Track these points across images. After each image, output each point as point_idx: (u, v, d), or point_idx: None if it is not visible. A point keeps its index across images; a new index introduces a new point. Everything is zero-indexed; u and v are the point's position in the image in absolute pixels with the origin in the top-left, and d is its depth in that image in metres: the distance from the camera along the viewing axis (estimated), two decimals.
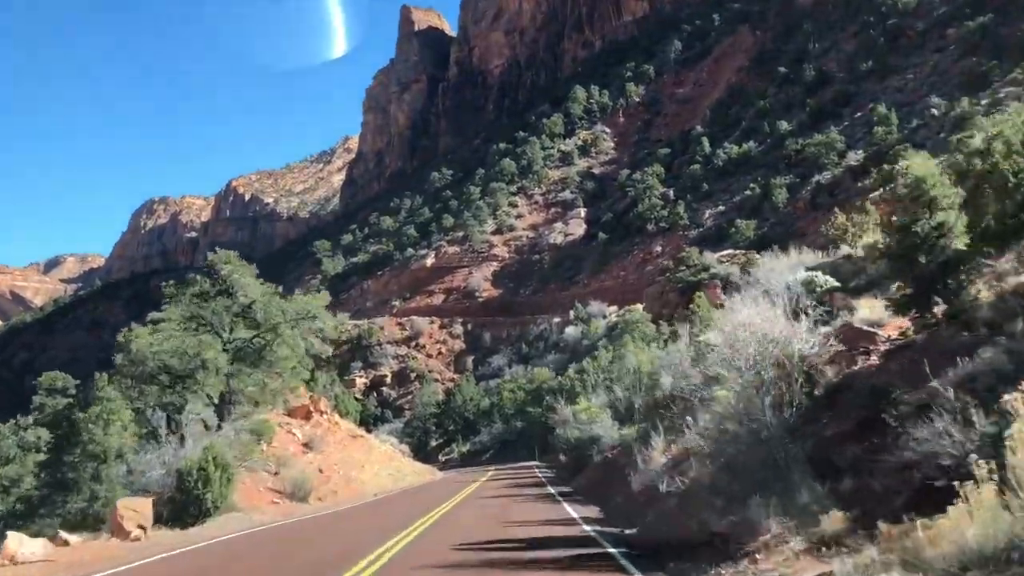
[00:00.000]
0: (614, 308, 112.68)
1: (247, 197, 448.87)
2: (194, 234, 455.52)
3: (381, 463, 58.12)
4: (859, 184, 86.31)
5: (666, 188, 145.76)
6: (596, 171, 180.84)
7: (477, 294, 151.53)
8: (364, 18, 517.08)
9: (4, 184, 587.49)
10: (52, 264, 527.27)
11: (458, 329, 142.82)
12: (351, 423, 69.11)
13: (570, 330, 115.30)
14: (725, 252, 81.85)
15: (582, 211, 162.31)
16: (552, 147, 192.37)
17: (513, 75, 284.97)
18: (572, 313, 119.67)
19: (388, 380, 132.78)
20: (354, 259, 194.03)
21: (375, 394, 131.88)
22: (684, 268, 72.94)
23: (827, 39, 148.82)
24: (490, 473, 62.54)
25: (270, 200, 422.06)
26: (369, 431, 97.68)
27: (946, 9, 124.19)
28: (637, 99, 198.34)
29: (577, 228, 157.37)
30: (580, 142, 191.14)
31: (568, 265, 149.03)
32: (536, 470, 59.99)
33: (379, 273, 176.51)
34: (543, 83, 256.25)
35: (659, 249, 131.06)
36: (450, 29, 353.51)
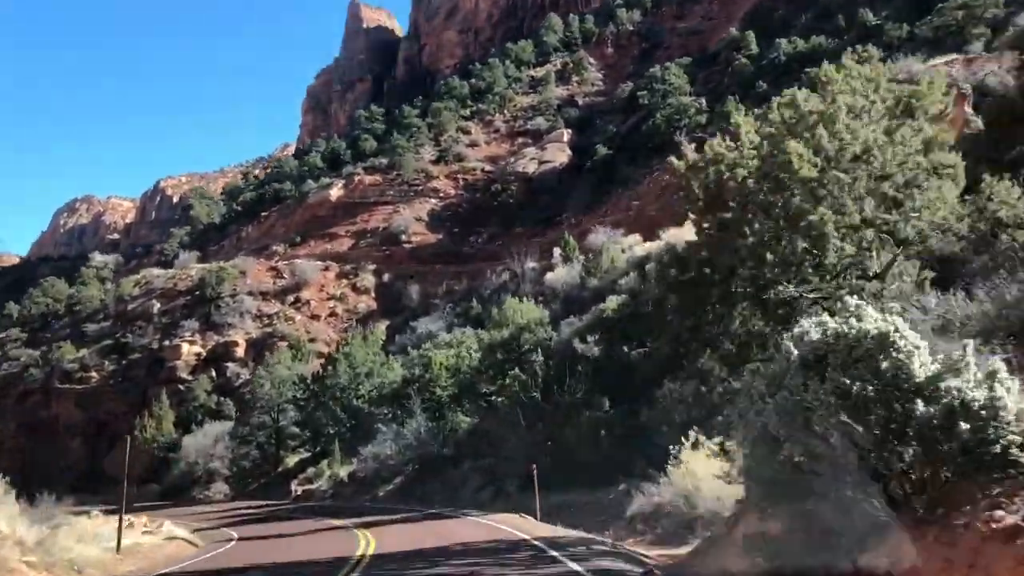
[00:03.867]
0: (633, 237, 62.24)
1: (175, 199, 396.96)
2: (116, 236, 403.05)
3: None
4: None
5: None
6: (580, 101, 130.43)
7: (403, 238, 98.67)
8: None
9: None
10: None
11: (368, 280, 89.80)
12: None
13: (556, 275, 63.44)
14: None
15: (565, 133, 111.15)
16: (519, 75, 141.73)
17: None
18: (557, 252, 68.17)
19: (239, 351, 78.91)
20: (236, 204, 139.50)
21: (213, 372, 77.82)
22: None
23: None
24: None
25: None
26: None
27: None
28: (631, 27, 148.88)
29: (558, 155, 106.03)
30: (558, 67, 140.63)
31: (544, 203, 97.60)
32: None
33: (263, 215, 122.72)
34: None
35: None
36: (400, 31, 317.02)
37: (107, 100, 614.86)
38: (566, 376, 33.66)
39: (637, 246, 56.82)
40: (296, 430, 57.86)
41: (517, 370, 36.29)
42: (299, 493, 51.11)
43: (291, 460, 57.98)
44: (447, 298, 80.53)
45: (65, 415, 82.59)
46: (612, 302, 39.79)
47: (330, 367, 55.00)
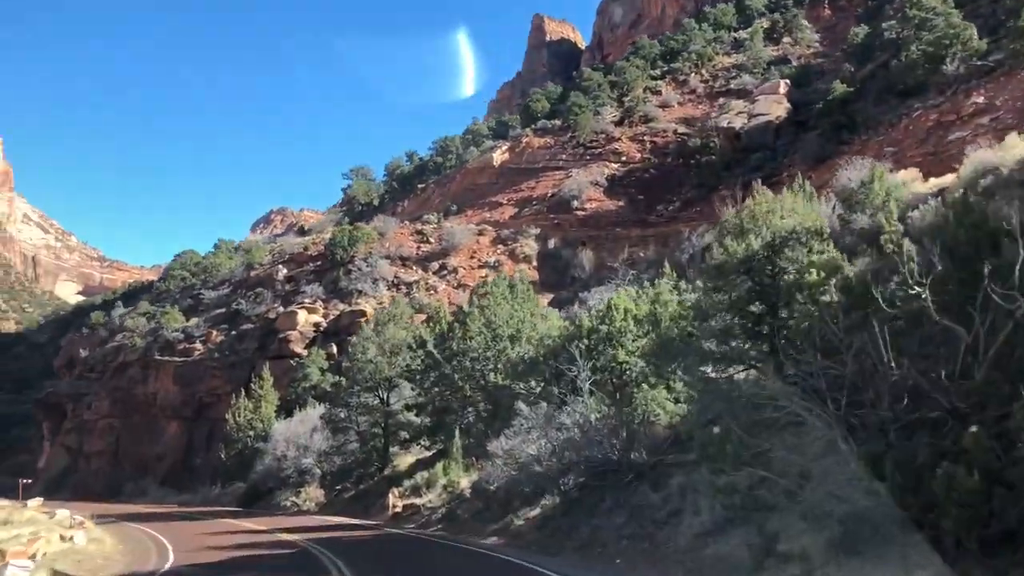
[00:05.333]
0: (909, 173, 41.52)
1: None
2: None
3: None
4: None
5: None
6: (793, 62, 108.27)
7: (575, 205, 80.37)
8: (494, 55, 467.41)
9: (131, 183, 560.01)
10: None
11: (529, 247, 72.04)
12: None
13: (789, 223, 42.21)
14: None
15: (782, 84, 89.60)
16: (719, 35, 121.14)
17: None
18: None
19: (366, 323, 62.70)
20: (394, 180, 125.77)
21: (333, 347, 62.04)
22: None
23: None
24: None
25: None
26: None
27: None
28: None
29: (772, 108, 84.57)
30: (766, 25, 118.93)
31: (755, 162, 76.73)
32: None
33: (420, 187, 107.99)
34: None
35: (981, 100, 59.58)
36: (584, 43, 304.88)
37: (302, 121, 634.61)
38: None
39: (915, 183, 36.80)
40: (413, 417, 40.17)
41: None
42: (398, 510, 33.30)
43: (403, 460, 40.30)
44: (628, 267, 61.29)
45: (163, 393, 69.33)
46: None
47: (459, 326, 37.00)
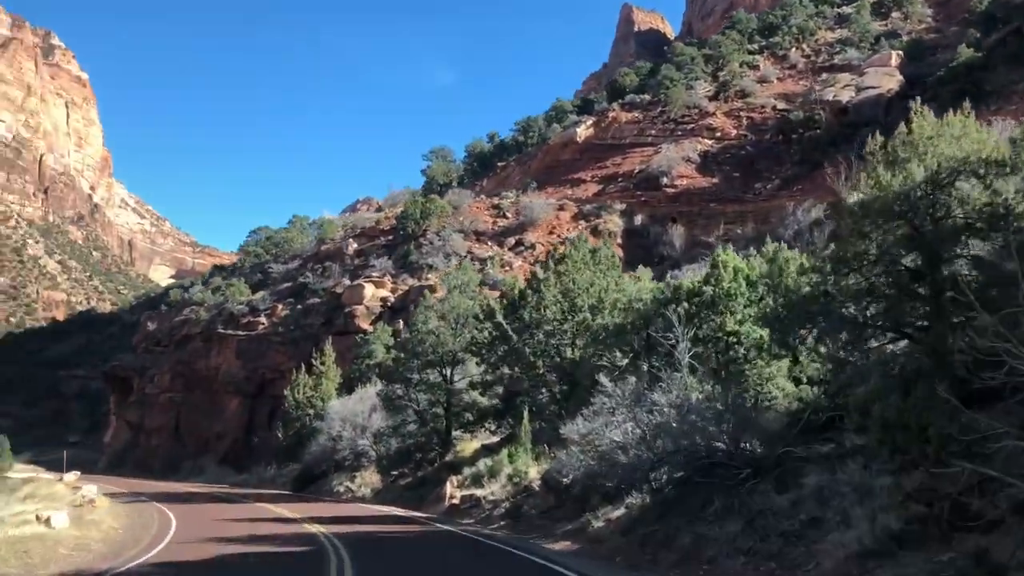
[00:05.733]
0: None
1: None
2: None
3: None
4: None
5: None
6: (904, 37, 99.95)
7: (665, 181, 74.79)
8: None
9: (223, 174, 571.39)
10: None
11: (614, 223, 66.78)
12: None
13: None
14: None
15: (893, 56, 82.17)
16: (821, 10, 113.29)
17: None
18: None
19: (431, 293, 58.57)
20: (474, 161, 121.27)
21: (401, 323, 57.92)
22: None
23: None
24: None
25: None
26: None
27: None
28: None
29: (883, 81, 77.30)
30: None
31: (864, 138, 69.45)
32: None
33: (500, 165, 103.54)
34: None
35: None
36: (673, 34, 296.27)
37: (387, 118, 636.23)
38: None
39: None
40: (478, 396, 35.53)
41: None
42: (456, 502, 28.70)
43: (467, 446, 35.69)
44: (724, 244, 55.49)
45: (224, 368, 66.38)
46: None
47: (532, 294, 32.16)
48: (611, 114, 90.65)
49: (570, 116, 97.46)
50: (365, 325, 58.88)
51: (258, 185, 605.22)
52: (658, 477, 20.26)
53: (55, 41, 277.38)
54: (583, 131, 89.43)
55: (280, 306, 66.79)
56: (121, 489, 44.32)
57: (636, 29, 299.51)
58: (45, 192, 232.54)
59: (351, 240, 72.92)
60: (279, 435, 52.74)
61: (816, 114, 76.36)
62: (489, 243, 66.25)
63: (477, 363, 34.99)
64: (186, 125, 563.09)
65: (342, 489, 40.49)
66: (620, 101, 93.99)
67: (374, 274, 62.61)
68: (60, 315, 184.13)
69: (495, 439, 35.44)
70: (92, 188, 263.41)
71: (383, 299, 60.74)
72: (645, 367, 23.25)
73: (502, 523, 24.66)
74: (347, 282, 63.26)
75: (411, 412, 37.96)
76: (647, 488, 20.15)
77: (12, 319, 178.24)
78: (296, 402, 51.84)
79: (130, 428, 78.10)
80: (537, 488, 25.30)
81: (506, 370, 33.58)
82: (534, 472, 26.40)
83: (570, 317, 31.52)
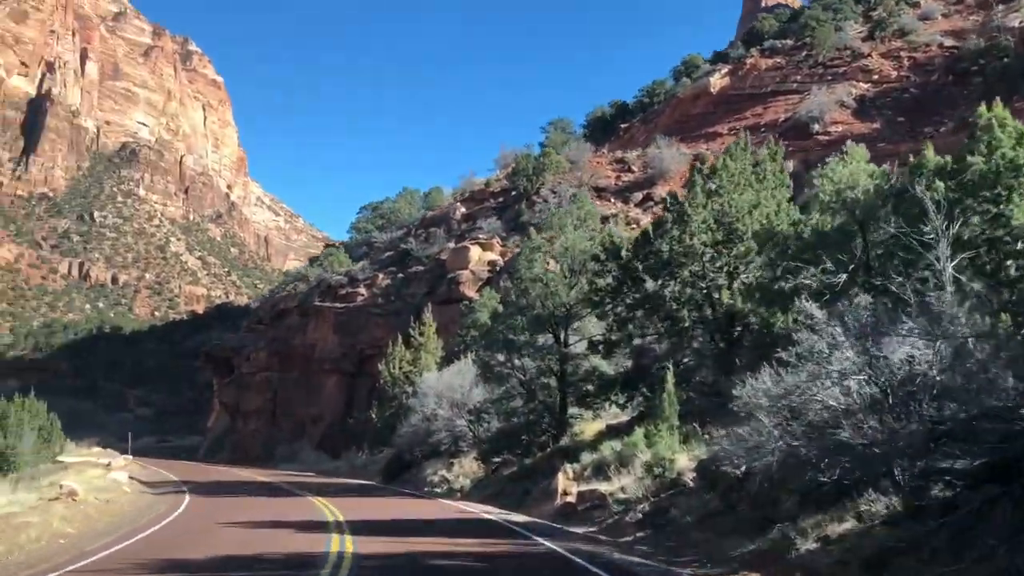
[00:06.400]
0: None
1: None
2: None
3: None
4: None
5: None
6: None
7: (816, 128, 64.91)
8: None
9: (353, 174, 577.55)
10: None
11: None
12: None
13: None
14: None
15: None
16: None
17: None
18: None
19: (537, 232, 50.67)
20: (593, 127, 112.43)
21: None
22: None
23: None
24: None
25: None
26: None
27: None
28: None
29: None
30: None
31: None
32: None
33: (623, 126, 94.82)
34: None
35: None
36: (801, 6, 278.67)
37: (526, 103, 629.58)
38: None
39: None
40: (599, 361, 27.31)
41: None
42: (570, 499, 20.71)
43: (588, 427, 27.60)
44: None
45: (321, 344, 60.52)
46: None
47: (673, 221, 23.77)
48: (749, 61, 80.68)
49: (701, 70, 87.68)
50: (471, 292, 51.48)
51: (383, 173, 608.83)
52: (911, 467, 11.69)
53: (192, 47, 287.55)
54: (717, 80, 79.74)
55: (381, 275, 60.32)
56: (172, 476, 38.85)
57: (763, 3, 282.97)
58: (185, 192, 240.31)
59: (458, 204, 65.85)
60: (372, 416, 46.03)
61: (1001, 42, 64.50)
62: (612, 199, 57.90)
63: (598, 317, 26.77)
64: (315, 119, 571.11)
65: (436, 479, 33.13)
66: (759, 47, 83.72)
67: (481, 236, 55.21)
68: (200, 308, 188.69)
69: (624, 418, 27.22)
70: (229, 187, 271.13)
71: (491, 263, 53.23)
72: (876, 285, 14.58)
73: (638, 534, 16.55)
74: (452, 246, 56.09)
75: (515, 383, 29.98)
76: (894, 486, 11.63)
77: (157, 313, 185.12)
78: (392, 378, 45.04)
79: (227, 411, 73.77)
80: (690, 482, 17.04)
81: (637, 326, 25.31)
82: (684, 460, 18.16)
83: (725, 251, 23.13)
